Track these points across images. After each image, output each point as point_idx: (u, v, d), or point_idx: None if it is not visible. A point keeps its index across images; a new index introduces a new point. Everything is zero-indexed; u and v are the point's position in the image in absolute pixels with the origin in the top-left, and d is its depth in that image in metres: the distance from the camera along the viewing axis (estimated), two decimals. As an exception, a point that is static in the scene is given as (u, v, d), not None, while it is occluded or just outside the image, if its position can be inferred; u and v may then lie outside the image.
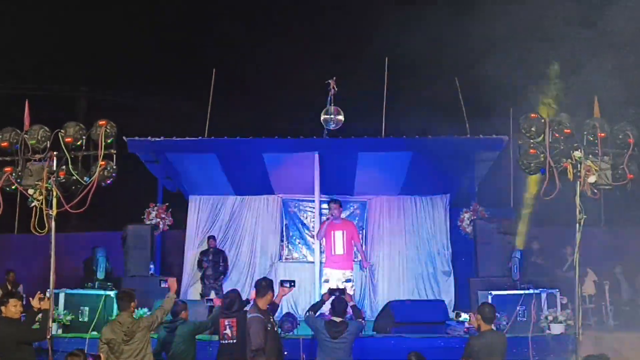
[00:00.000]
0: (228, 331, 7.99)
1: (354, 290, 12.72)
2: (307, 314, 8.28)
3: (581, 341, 8.84)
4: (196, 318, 9.24)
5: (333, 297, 8.37)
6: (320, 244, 12.85)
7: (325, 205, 13.25)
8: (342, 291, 8.67)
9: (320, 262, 12.70)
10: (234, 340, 7.97)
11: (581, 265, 8.18)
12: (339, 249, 12.06)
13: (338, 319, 7.93)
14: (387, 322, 10.43)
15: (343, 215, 13.28)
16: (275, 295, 8.01)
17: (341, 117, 12.79)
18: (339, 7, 18.25)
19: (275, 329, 7.94)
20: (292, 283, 8.15)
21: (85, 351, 7.22)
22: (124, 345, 7.52)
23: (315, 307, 8.43)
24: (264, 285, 7.87)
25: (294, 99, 16.74)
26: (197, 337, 8.78)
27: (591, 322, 11.67)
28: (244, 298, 8.45)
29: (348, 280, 11.79)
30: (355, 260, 12.89)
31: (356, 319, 8.37)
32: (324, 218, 13.03)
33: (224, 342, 8.05)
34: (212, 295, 12.71)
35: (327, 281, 11.88)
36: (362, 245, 13.00)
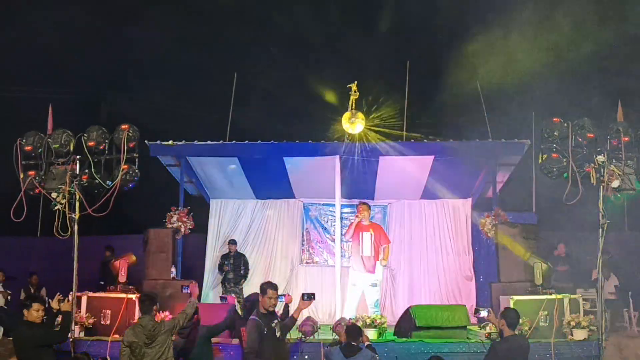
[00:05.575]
0: None
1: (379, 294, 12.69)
2: (326, 348, 8.48)
3: (605, 347, 8.77)
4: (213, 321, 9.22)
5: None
6: (342, 248, 12.79)
7: (346, 209, 13.22)
8: (358, 329, 8.64)
9: (341, 266, 12.62)
10: None
11: (606, 269, 8.08)
12: (367, 250, 11.97)
13: (353, 343, 7.92)
14: (408, 326, 10.37)
15: (366, 218, 13.30)
16: (296, 307, 8.04)
17: (362, 122, 12.72)
18: (358, 10, 18.26)
19: (277, 334, 7.83)
20: (312, 296, 8.12)
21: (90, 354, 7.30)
22: (146, 348, 7.56)
23: (335, 343, 8.51)
24: (263, 289, 7.95)
25: (315, 102, 16.72)
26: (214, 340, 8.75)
27: (614, 327, 11.52)
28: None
29: (374, 285, 11.72)
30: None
31: None
32: (345, 222, 12.96)
33: None
34: (232, 298, 12.71)
35: (354, 284, 11.82)
36: (388, 248, 12.87)
